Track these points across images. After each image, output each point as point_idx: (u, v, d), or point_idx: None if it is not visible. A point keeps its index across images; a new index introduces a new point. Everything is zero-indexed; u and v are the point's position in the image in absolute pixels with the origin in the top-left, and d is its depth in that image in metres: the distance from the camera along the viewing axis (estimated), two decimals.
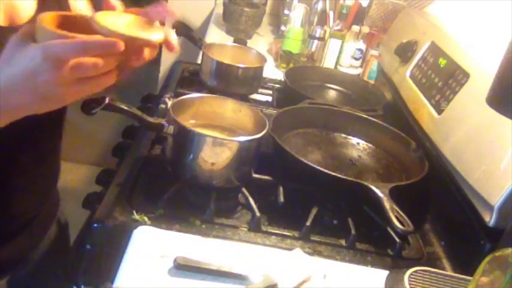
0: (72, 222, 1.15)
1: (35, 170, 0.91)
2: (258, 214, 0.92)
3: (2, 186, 0.84)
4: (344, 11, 1.94)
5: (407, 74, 1.34)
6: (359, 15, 2.01)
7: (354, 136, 1.28)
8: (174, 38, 0.67)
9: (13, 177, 0.86)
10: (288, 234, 0.92)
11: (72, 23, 0.64)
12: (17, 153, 0.85)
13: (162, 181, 0.97)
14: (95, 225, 0.86)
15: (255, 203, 0.95)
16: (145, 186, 0.98)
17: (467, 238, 0.94)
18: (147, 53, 0.65)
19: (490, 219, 0.83)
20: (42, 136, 0.89)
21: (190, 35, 1.49)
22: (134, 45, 0.63)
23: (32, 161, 0.89)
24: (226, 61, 1.37)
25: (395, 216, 0.87)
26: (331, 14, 2.07)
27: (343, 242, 0.94)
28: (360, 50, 1.96)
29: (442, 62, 1.19)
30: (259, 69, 1.44)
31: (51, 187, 1.02)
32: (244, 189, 0.98)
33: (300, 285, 0.78)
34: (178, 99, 1.03)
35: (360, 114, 1.30)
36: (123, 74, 0.65)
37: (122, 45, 0.58)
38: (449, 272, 0.90)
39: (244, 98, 1.37)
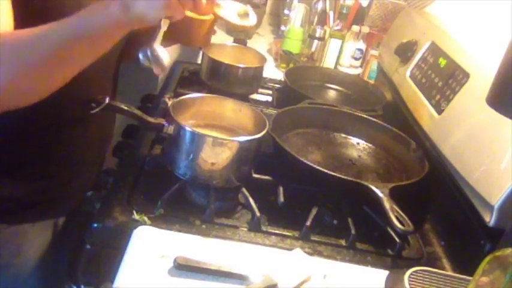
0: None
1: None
2: (258, 214, 0.92)
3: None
4: (344, 11, 1.94)
5: (408, 74, 1.34)
6: (359, 15, 2.00)
7: (354, 136, 1.28)
8: None
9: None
10: (288, 234, 0.92)
11: None
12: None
13: (162, 181, 0.96)
14: (95, 225, 0.86)
15: (255, 203, 0.95)
16: (145, 186, 0.98)
17: (467, 238, 0.94)
18: None
19: (490, 219, 0.83)
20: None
21: None
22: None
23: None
24: (226, 61, 1.38)
25: (395, 216, 0.87)
26: (331, 14, 2.07)
27: (343, 242, 0.94)
28: (360, 50, 1.96)
29: (442, 62, 1.19)
30: (259, 69, 1.44)
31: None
32: (244, 189, 0.98)
33: (300, 285, 0.78)
34: (178, 99, 1.03)
35: (360, 114, 1.30)
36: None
37: None
38: (449, 272, 0.90)
39: (244, 98, 1.37)
